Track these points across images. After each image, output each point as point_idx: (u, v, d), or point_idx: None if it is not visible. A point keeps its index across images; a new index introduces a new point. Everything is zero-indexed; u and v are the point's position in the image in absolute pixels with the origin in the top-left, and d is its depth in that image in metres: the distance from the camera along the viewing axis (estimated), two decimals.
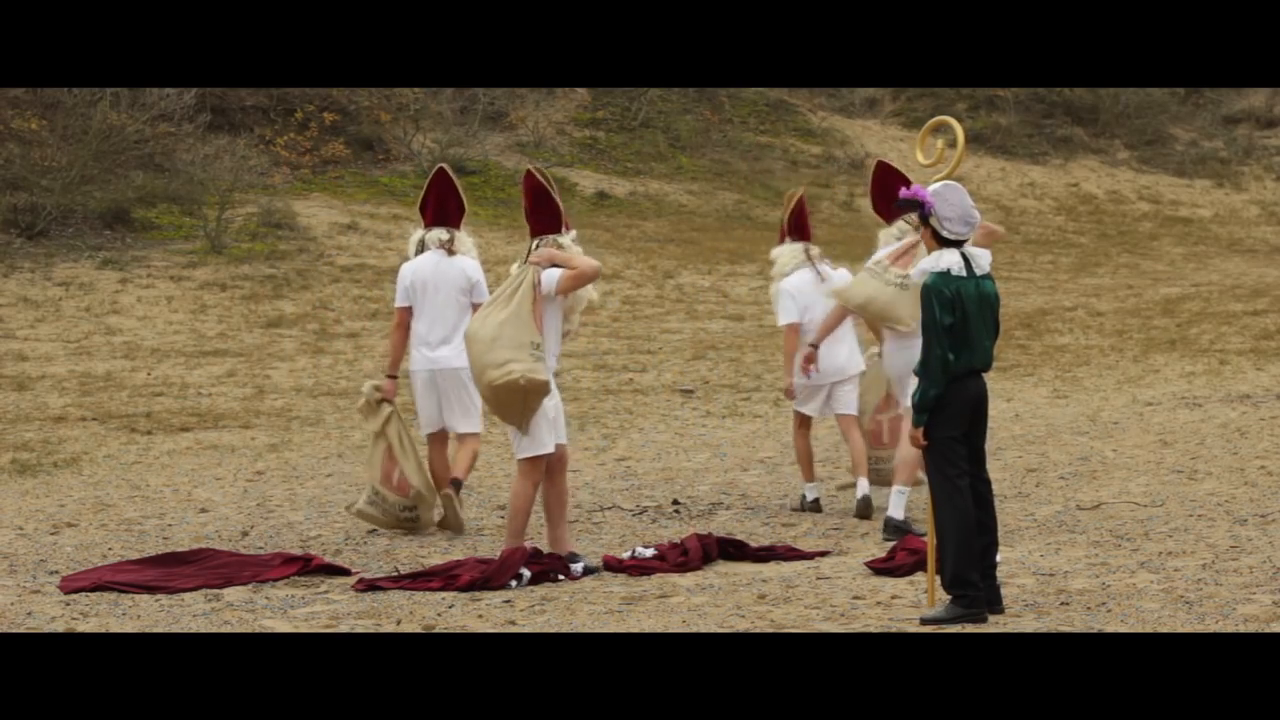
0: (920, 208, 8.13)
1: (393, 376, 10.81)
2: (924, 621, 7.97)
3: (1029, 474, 12.37)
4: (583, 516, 11.19)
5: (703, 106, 33.51)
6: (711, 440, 14.47)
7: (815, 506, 11.21)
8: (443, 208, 10.77)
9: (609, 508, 11.47)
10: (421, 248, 10.75)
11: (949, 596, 8.02)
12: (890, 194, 10.03)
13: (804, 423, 11.48)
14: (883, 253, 10.62)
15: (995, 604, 8.10)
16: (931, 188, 8.16)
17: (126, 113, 25.26)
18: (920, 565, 9.02)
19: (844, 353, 11.37)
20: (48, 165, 23.91)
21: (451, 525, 10.63)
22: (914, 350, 9.28)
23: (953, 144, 8.51)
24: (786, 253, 11.47)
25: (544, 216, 9.50)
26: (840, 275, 11.46)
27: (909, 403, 9.77)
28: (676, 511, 11.32)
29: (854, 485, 11.15)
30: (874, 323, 10.62)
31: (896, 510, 10.23)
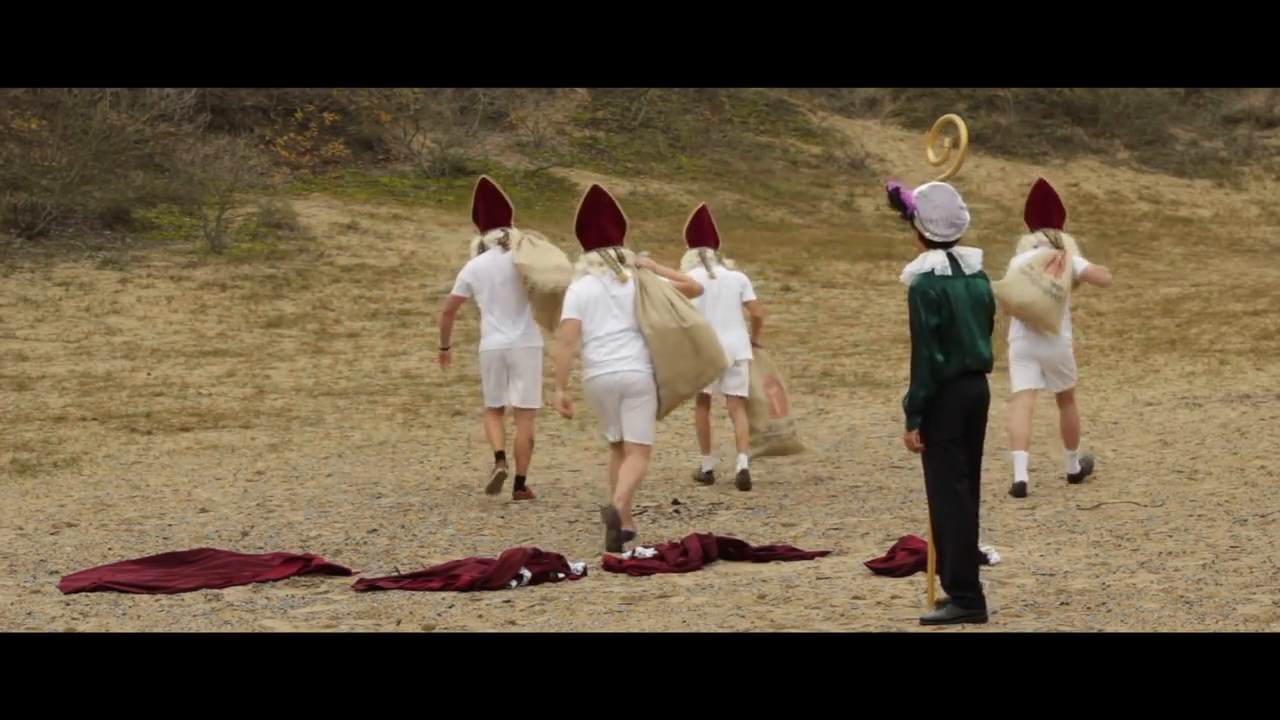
0: (903, 208, 8.08)
1: (444, 348, 12.43)
2: (924, 622, 7.97)
3: (1029, 474, 12.35)
4: (583, 516, 11.20)
5: (703, 106, 33.52)
6: (712, 440, 14.45)
7: (709, 479, 12.35)
8: (492, 213, 12.08)
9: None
10: (483, 248, 12.07)
11: (949, 597, 8.02)
12: (1039, 210, 11.97)
13: (704, 401, 12.57)
14: (1028, 255, 11.76)
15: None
16: (918, 189, 8.12)
17: (126, 113, 25.26)
18: (920, 565, 9.02)
19: (733, 338, 12.26)
20: (48, 165, 23.92)
21: (494, 490, 11.85)
22: (1044, 344, 11.68)
23: (957, 143, 8.49)
24: (687, 257, 12.75)
25: (615, 229, 10.47)
26: (735, 275, 12.59)
27: (1024, 384, 11.79)
28: (676, 511, 11.33)
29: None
30: (1028, 321, 11.72)
31: (1072, 467, 11.89)
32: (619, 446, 10.44)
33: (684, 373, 10.29)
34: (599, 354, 10.24)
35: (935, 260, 8.01)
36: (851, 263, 25.99)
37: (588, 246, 10.45)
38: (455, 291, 12.12)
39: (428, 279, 22.89)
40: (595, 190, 10.60)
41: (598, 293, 10.27)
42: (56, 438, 14.64)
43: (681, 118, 32.79)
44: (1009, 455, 11.84)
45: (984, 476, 11.87)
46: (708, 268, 12.50)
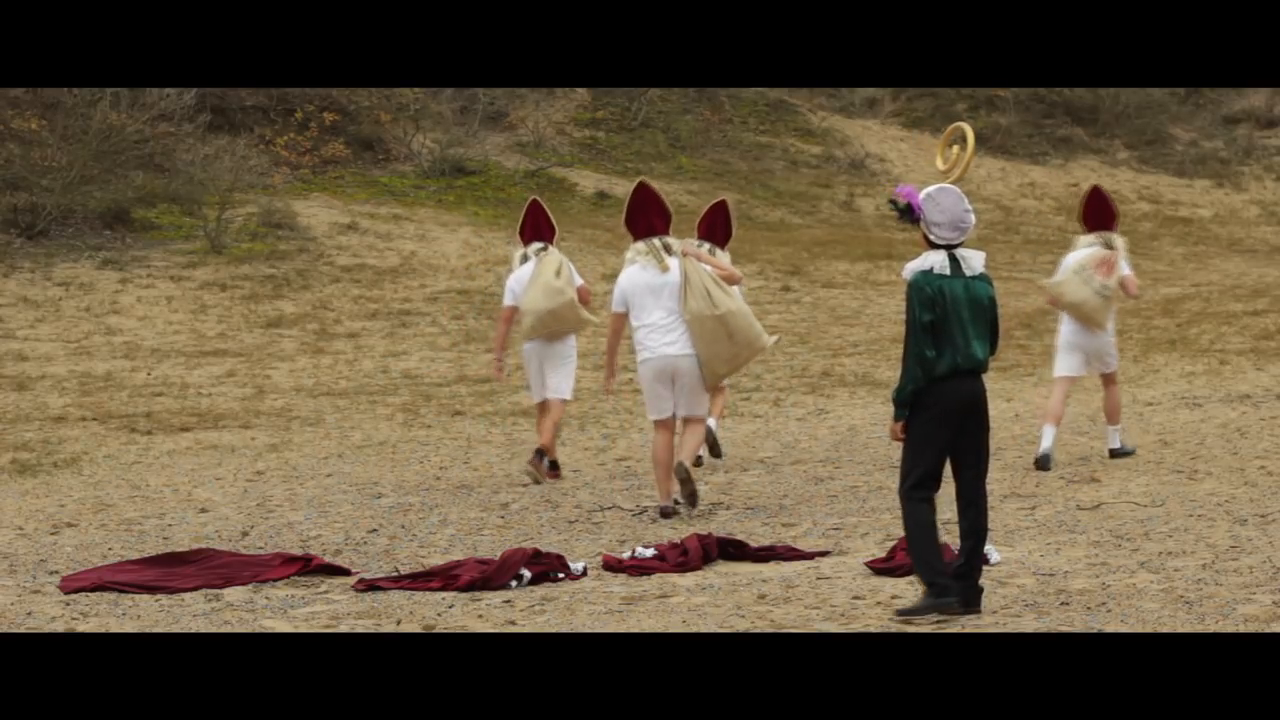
0: (910, 211, 8.14)
1: (499, 356, 13.29)
2: (899, 614, 8.06)
3: (1029, 474, 12.37)
4: (583, 517, 11.20)
5: (703, 106, 33.51)
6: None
7: (715, 452, 13.22)
8: (537, 229, 12.98)
9: (609, 508, 11.47)
10: (525, 259, 12.93)
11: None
12: (1094, 214, 13.38)
13: None
14: (1082, 255, 13.04)
15: (972, 604, 8.13)
16: (926, 190, 8.16)
17: (126, 113, 25.25)
18: None
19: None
20: (48, 165, 23.91)
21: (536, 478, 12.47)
22: (1088, 336, 12.95)
23: (965, 148, 8.51)
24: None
25: (661, 220, 11.35)
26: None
27: (1065, 371, 13.05)
28: (677, 511, 11.32)
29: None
30: (1080, 319, 12.97)
31: (1113, 442, 13.01)
32: (663, 425, 11.19)
33: (719, 355, 11.10)
34: (649, 339, 11.12)
35: (935, 259, 8.10)
36: (851, 263, 25.98)
37: (636, 237, 11.35)
38: (506, 302, 12.91)
39: (428, 279, 22.90)
40: (642, 185, 11.51)
41: (643, 282, 11.16)
42: (56, 438, 14.64)
43: (681, 118, 32.78)
44: (1041, 428, 12.91)
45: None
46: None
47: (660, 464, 11.12)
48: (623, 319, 11.27)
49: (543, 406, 12.77)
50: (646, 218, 11.35)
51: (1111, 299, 12.97)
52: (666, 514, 11.01)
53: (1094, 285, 12.86)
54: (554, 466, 12.70)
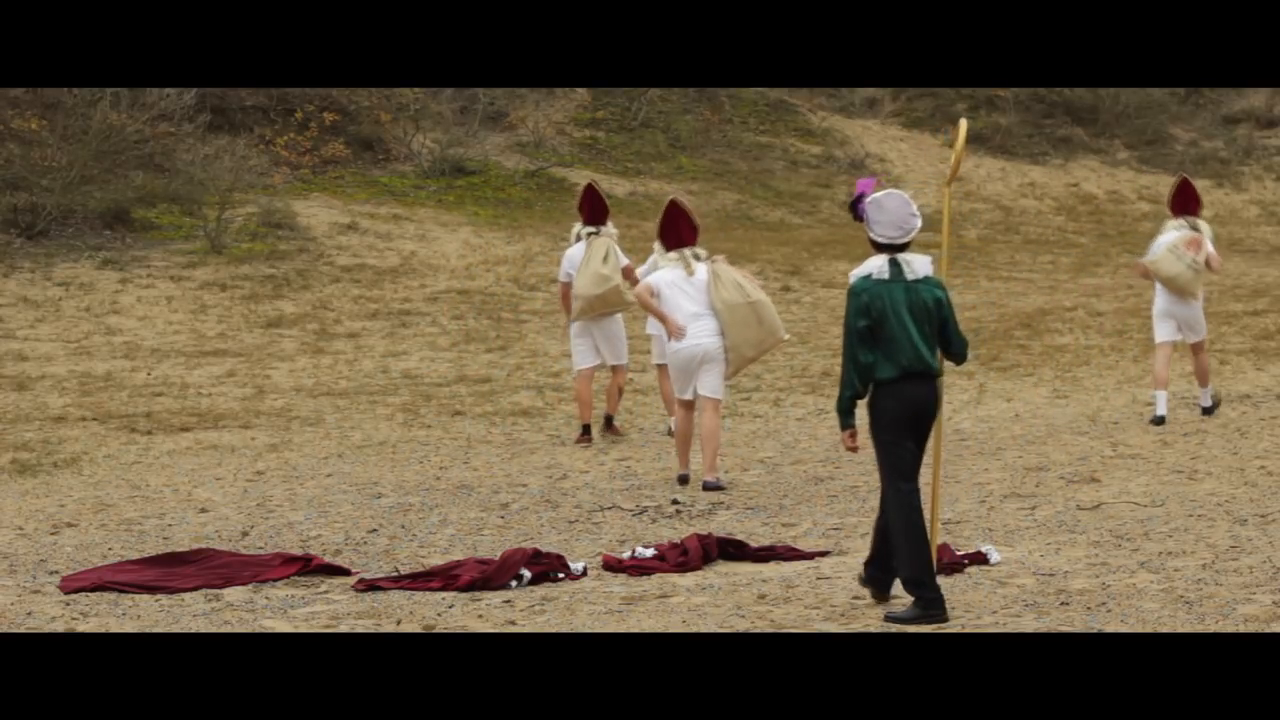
0: (854, 206, 8.28)
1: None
2: (888, 619, 8.08)
3: (1029, 474, 12.37)
4: (583, 517, 11.20)
5: (703, 106, 33.49)
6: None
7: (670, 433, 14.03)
8: (594, 210, 14.47)
9: (609, 508, 11.48)
10: (578, 239, 14.47)
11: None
12: (1181, 201, 14.95)
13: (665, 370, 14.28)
14: (1173, 236, 14.70)
15: (885, 593, 8.41)
16: (872, 195, 8.28)
17: (126, 113, 25.24)
18: None
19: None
20: (48, 165, 23.89)
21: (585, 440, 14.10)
22: (1180, 305, 14.61)
23: (953, 144, 8.55)
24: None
25: (690, 233, 12.60)
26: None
27: (1164, 337, 14.73)
28: (677, 511, 11.33)
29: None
30: (1174, 290, 14.68)
31: (1205, 401, 14.96)
32: (687, 404, 12.41)
33: (749, 339, 12.25)
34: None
35: (874, 264, 8.26)
36: (851, 263, 25.89)
37: (668, 248, 12.60)
38: (561, 279, 14.57)
39: (428, 279, 22.89)
40: (672, 203, 12.82)
41: (673, 280, 12.40)
42: (56, 438, 14.64)
43: (681, 118, 32.76)
44: (1151, 394, 15.04)
45: (984, 477, 11.94)
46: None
47: (681, 438, 12.38)
48: (650, 288, 12.47)
49: (585, 375, 14.26)
50: (677, 231, 12.62)
51: (1201, 272, 14.57)
52: (683, 480, 12.21)
53: (1185, 261, 14.52)
54: (609, 423, 14.40)
